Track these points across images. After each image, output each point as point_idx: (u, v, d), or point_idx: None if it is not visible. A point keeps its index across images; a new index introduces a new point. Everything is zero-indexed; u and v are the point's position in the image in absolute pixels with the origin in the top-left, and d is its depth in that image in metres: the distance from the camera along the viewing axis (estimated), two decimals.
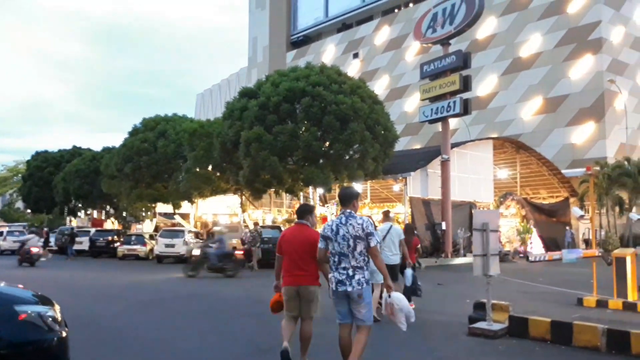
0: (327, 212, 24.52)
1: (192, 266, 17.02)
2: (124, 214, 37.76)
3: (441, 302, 10.93)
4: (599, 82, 38.11)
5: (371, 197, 27.83)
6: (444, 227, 22.69)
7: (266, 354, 6.61)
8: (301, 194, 24.49)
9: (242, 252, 18.30)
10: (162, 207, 32.59)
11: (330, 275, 5.10)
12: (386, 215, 9.68)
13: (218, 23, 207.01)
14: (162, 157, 26.81)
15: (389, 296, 5.15)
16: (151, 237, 27.02)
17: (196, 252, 18.25)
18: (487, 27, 44.72)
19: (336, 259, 5.03)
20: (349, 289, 4.93)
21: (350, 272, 4.94)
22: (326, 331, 6.60)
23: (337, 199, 26.06)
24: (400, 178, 23.59)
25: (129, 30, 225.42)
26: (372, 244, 4.92)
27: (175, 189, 26.59)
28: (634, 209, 29.56)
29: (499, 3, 44.58)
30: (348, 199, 5.20)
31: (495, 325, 7.31)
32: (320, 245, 5.18)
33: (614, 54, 39.60)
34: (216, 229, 20.19)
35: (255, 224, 21.77)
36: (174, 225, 29.87)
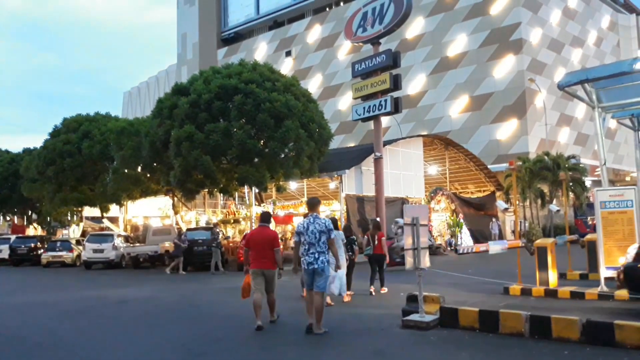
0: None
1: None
2: (48, 219, 35.76)
3: (376, 296, 11.10)
4: (520, 81, 40.20)
5: (307, 196, 27.87)
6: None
7: (199, 358, 6.42)
8: (236, 193, 24.13)
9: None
10: (89, 211, 31.12)
11: (302, 259, 7.38)
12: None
13: (146, 19, 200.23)
14: (87, 159, 25.56)
15: (336, 272, 7.91)
16: (78, 242, 25.75)
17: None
18: (415, 27, 46.01)
19: (307, 247, 7.34)
20: (316, 265, 7.27)
21: (317, 255, 7.30)
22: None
23: (273, 198, 26.09)
24: (336, 176, 23.77)
25: (48, 25, 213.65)
26: (331, 236, 7.40)
27: (103, 192, 25.45)
28: (554, 201, 31.40)
29: (426, 4, 45.97)
30: (315, 206, 7.71)
31: (428, 317, 7.49)
32: (295, 238, 7.63)
33: (533, 54, 41.89)
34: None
35: (215, 225, 21.26)
36: (102, 229, 28.61)
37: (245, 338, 7.45)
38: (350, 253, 10.88)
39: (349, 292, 10.63)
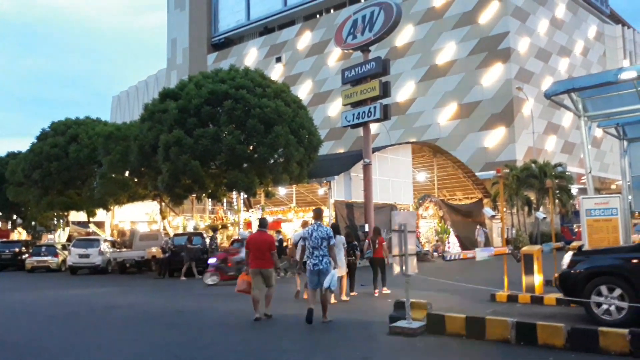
0: (252, 217, 24.24)
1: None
2: (33, 223, 35.38)
3: (364, 302, 11.11)
4: (508, 90, 40.58)
5: (296, 201, 27.85)
6: (366, 229, 23.12)
7: None
8: (224, 199, 24.06)
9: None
10: (75, 216, 30.85)
11: (308, 261, 8.52)
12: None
13: (136, 23, 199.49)
14: (75, 163, 25.39)
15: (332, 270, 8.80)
16: (64, 247, 25.49)
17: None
18: (405, 35, 46.31)
19: (311, 250, 8.51)
20: (321, 266, 8.41)
21: (321, 257, 8.45)
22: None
23: (262, 203, 26.02)
24: (325, 182, 23.80)
25: (36, 29, 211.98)
26: (331, 243, 8.60)
27: (89, 196, 25.27)
28: (540, 208, 31.65)
29: (416, 12, 46.31)
30: (319, 216, 9.01)
31: (415, 324, 7.51)
32: (301, 242, 9.32)
33: (521, 63, 42.33)
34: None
35: (213, 229, 21.12)
36: (88, 234, 28.38)
37: (234, 344, 7.42)
38: (352, 257, 12.11)
39: (352, 293, 11.80)
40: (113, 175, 23.29)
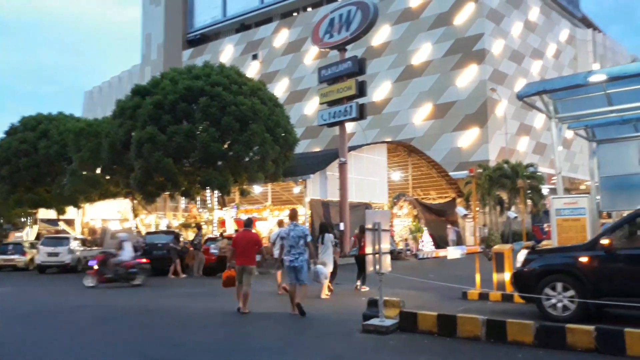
0: (226, 216, 24.02)
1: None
2: (1, 221, 34.44)
3: (338, 301, 11.11)
4: (482, 91, 41.15)
5: (272, 200, 27.72)
6: (342, 228, 23.17)
7: None
8: (198, 197, 23.80)
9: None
10: (44, 213, 30.13)
11: (285, 258, 9.16)
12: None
13: (109, 17, 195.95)
14: (44, 159, 24.79)
15: (315, 265, 10.03)
16: (32, 245, 24.84)
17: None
18: (381, 35, 46.55)
19: (289, 249, 9.13)
20: (297, 264, 9.03)
21: (297, 255, 9.06)
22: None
23: (237, 202, 25.81)
24: (300, 180, 23.75)
25: (8, 22, 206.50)
26: (308, 240, 9.18)
27: (59, 193, 24.70)
28: (512, 208, 32.19)
29: (393, 12, 46.58)
30: (295, 216, 9.67)
31: (387, 321, 7.53)
32: (279, 241, 10.35)
33: (495, 64, 42.96)
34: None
35: (199, 227, 20.82)
36: (58, 232, 27.71)
37: (204, 343, 7.33)
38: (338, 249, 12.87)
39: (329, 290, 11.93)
40: (84, 173, 22.82)
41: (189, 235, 23.83)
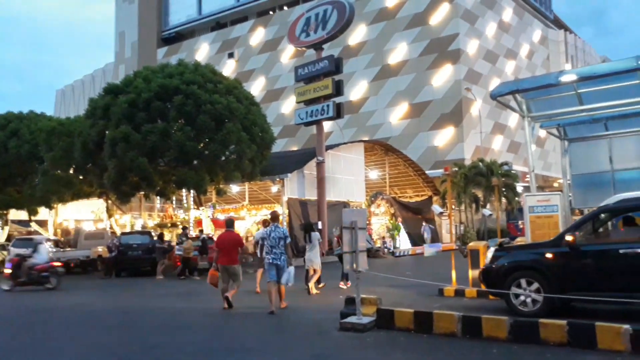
0: (202, 216, 23.82)
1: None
2: None
3: (316, 299, 11.12)
4: (458, 90, 41.61)
5: (249, 199, 27.58)
6: (320, 227, 23.18)
7: None
8: (174, 197, 23.53)
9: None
10: (15, 214, 29.42)
11: (267, 257, 9.53)
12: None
13: (81, 14, 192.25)
14: (15, 159, 24.17)
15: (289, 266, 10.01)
16: (2, 247, 24.23)
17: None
18: (357, 34, 46.69)
19: (270, 248, 9.50)
20: (278, 262, 9.42)
21: (278, 255, 9.45)
22: None
23: (213, 201, 25.61)
24: (278, 179, 23.66)
25: None
26: (287, 242, 9.67)
27: (31, 194, 24.12)
28: (487, 206, 32.63)
29: (369, 12, 46.75)
30: (276, 218, 10.07)
31: (365, 319, 7.56)
32: (261, 242, 11.13)
33: (470, 64, 43.48)
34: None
35: (184, 227, 20.51)
36: (29, 233, 27.09)
37: (181, 344, 7.25)
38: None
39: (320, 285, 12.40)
40: (56, 172, 22.35)
41: (172, 236, 23.60)
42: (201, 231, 20.50)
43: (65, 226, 29.36)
